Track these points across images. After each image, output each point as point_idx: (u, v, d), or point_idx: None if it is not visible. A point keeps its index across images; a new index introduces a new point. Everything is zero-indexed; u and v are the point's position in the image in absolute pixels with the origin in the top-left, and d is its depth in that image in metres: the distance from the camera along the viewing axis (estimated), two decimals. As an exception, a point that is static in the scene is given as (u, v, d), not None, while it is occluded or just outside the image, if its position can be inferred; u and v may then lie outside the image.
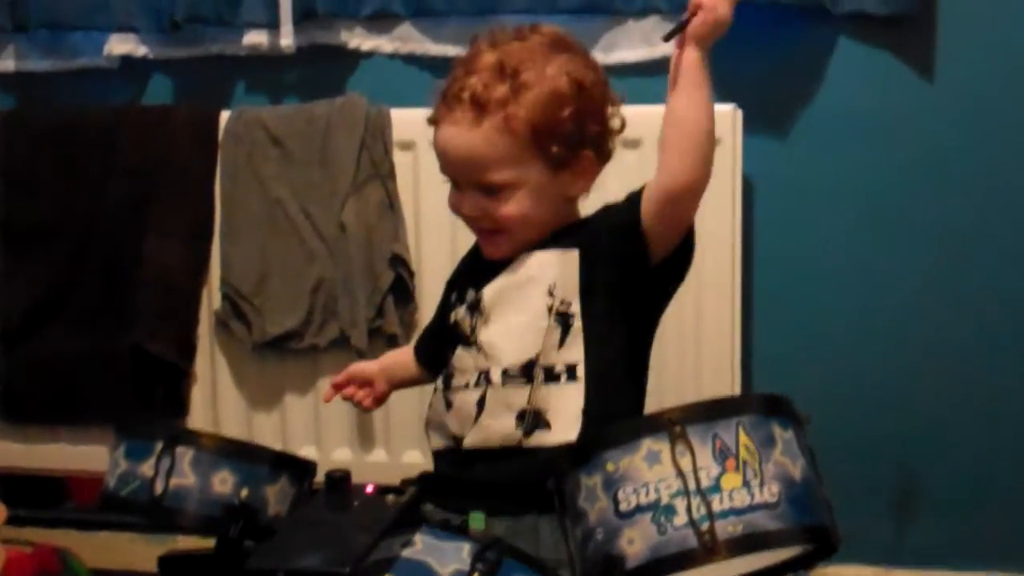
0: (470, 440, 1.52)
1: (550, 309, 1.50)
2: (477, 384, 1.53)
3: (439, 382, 1.59)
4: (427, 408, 1.61)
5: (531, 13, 2.18)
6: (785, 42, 2.18)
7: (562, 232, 1.55)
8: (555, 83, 1.49)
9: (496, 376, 1.51)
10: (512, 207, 1.51)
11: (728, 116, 2.08)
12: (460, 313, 1.58)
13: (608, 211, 1.55)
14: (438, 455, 1.59)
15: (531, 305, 1.51)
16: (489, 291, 1.54)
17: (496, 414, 1.50)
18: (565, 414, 1.48)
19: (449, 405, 1.56)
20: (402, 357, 1.81)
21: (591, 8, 2.20)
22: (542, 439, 1.48)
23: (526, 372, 1.49)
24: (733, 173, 2.10)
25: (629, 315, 1.53)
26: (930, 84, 2.15)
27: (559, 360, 1.50)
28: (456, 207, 1.56)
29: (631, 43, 2.21)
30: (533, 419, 1.49)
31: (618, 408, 1.50)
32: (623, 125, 1.59)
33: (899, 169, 2.18)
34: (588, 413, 1.47)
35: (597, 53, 2.19)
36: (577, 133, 1.50)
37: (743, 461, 1.16)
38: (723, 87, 2.15)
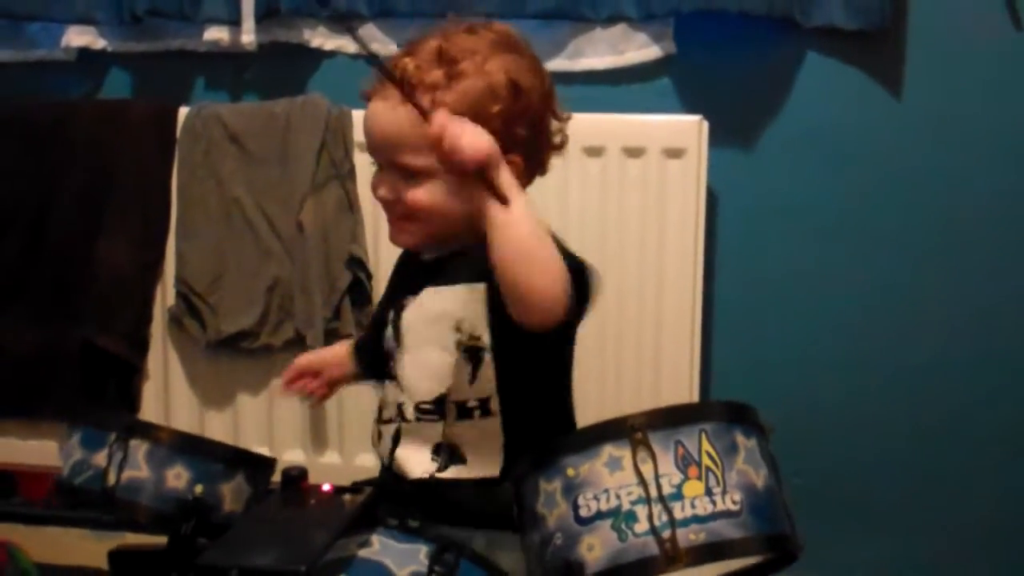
0: (395, 468, 1.51)
1: (458, 344, 1.47)
2: (394, 419, 1.52)
3: (376, 414, 1.57)
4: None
5: (498, 17, 2.16)
6: (753, 54, 2.19)
7: (476, 252, 1.46)
8: (491, 78, 1.44)
9: (409, 412, 1.49)
10: (423, 194, 1.45)
11: (694, 128, 2.09)
12: (388, 339, 1.54)
13: None
14: (381, 479, 1.58)
15: (440, 340, 1.48)
16: (405, 322, 1.52)
17: (412, 448, 1.49)
18: (482, 449, 1.46)
19: (379, 436, 1.55)
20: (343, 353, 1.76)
21: (558, 14, 2.18)
22: (458, 473, 1.46)
23: (438, 408, 1.48)
24: (697, 185, 2.10)
25: (540, 344, 1.45)
26: (898, 99, 2.16)
27: (471, 395, 1.47)
28: (374, 189, 1.51)
29: (598, 50, 2.20)
30: (448, 454, 1.47)
31: (543, 437, 1.45)
32: (564, 143, 1.55)
33: (865, 184, 2.18)
34: (508, 447, 1.45)
35: (563, 60, 2.19)
36: (504, 133, 1.42)
37: (706, 468, 1.14)
38: (689, 98, 2.18)
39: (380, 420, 1.56)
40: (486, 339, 1.47)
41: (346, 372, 1.72)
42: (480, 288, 1.47)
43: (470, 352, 1.47)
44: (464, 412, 1.48)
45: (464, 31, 1.49)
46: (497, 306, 1.44)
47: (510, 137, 1.45)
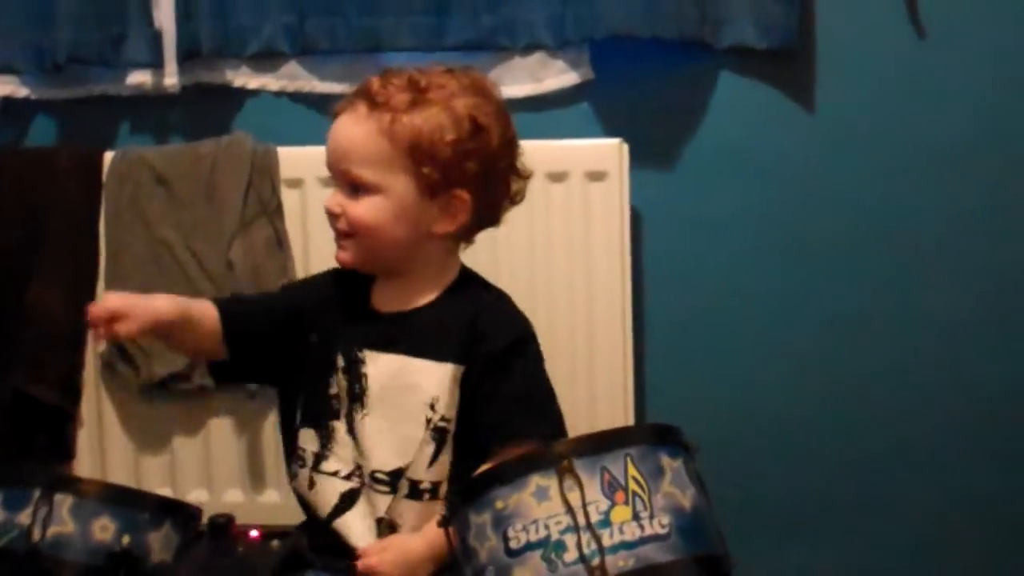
0: (333, 526, 1.51)
1: (428, 422, 1.48)
2: (350, 477, 1.51)
3: (304, 455, 1.54)
4: (289, 466, 1.59)
5: (417, 51, 2.19)
6: (669, 76, 2.21)
7: (447, 318, 1.52)
8: (454, 112, 1.47)
9: (368, 478, 1.49)
10: (366, 211, 1.48)
11: (614, 150, 2.11)
12: (340, 385, 1.53)
13: (490, 341, 1.50)
14: (306, 521, 1.57)
15: (411, 415, 1.48)
16: (371, 380, 1.51)
17: (359, 515, 1.50)
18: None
19: (312, 485, 1.53)
20: (191, 310, 1.58)
21: (477, 46, 2.20)
22: None
23: (392, 480, 1.48)
24: (620, 206, 2.12)
25: None
26: (811, 115, 2.20)
27: (426, 477, 1.48)
28: (327, 204, 1.53)
29: (517, 78, 2.22)
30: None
31: None
32: (520, 198, 1.57)
33: (785, 197, 2.22)
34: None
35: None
36: (455, 165, 1.47)
37: (632, 493, 1.16)
38: (609, 122, 2.21)
39: (315, 468, 1.54)
40: (452, 423, 1.48)
41: (159, 324, 1.53)
42: (460, 371, 1.48)
43: (438, 433, 1.48)
44: (415, 492, 1.48)
45: (442, 71, 1.53)
46: (467, 393, 1.47)
47: (459, 170, 1.48)
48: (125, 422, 2.28)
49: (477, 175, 1.49)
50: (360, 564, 1.41)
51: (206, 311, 1.57)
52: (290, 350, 1.58)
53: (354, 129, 1.48)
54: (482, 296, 1.56)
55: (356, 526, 1.49)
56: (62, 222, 2.27)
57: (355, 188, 1.49)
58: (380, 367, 1.51)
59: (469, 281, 1.58)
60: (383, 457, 1.49)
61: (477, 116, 1.49)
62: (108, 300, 1.52)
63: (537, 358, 1.55)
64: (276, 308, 1.63)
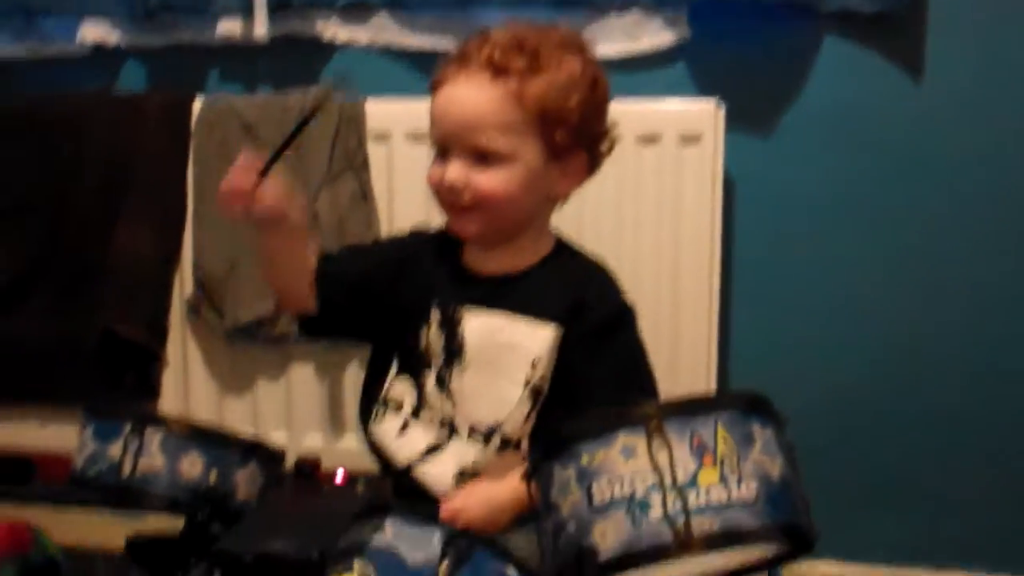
0: (413, 475, 1.52)
1: (527, 381, 1.48)
2: (440, 428, 1.52)
3: (394, 404, 1.56)
4: (366, 415, 1.60)
5: (510, 6, 2.17)
6: (770, 38, 2.16)
7: (551, 281, 1.52)
8: (571, 70, 1.47)
9: (463, 431, 1.50)
10: (498, 181, 1.46)
11: (710, 113, 2.07)
12: (432, 340, 1.54)
13: (596, 311, 1.51)
14: (386, 469, 1.58)
15: (511, 372, 1.49)
16: (470, 336, 1.51)
17: (441, 465, 1.51)
18: None
19: (399, 434, 1.55)
20: (307, 255, 1.59)
21: (573, 1, 2.17)
22: None
23: (486, 435, 1.49)
24: (713, 171, 2.08)
25: None
26: (917, 83, 2.13)
27: (519, 434, 1.50)
28: (438, 178, 1.49)
29: (612, 37, 2.18)
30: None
31: None
32: (612, 147, 1.56)
33: (884, 168, 2.16)
34: None
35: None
36: (581, 127, 1.48)
37: (721, 457, 1.14)
38: (706, 82, 2.16)
39: (415, 415, 1.55)
40: (547, 385, 1.49)
41: (291, 236, 1.54)
42: (560, 333, 1.48)
43: (534, 392, 1.49)
44: (506, 448, 1.50)
45: (540, 29, 1.51)
46: (563, 357, 1.48)
47: (585, 131, 1.49)
48: (209, 365, 2.32)
49: (596, 134, 1.51)
50: (446, 508, 1.41)
51: (311, 262, 1.59)
52: (380, 308, 1.59)
53: (479, 97, 1.45)
54: (589, 265, 1.57)
55: (437, 476, 1.51)
56: (150, 167, 2.30)
57: (482, 158, 1.47)
58: (480, 325, 1.51)
59: (569, 247, 1.59)
60: (479, 412, 1.50)
61: (593, 74, 1.49)
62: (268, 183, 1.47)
63: (639, 335, 1.55)
64: (368, 268, 1.63)
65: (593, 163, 1.53)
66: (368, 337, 1.65)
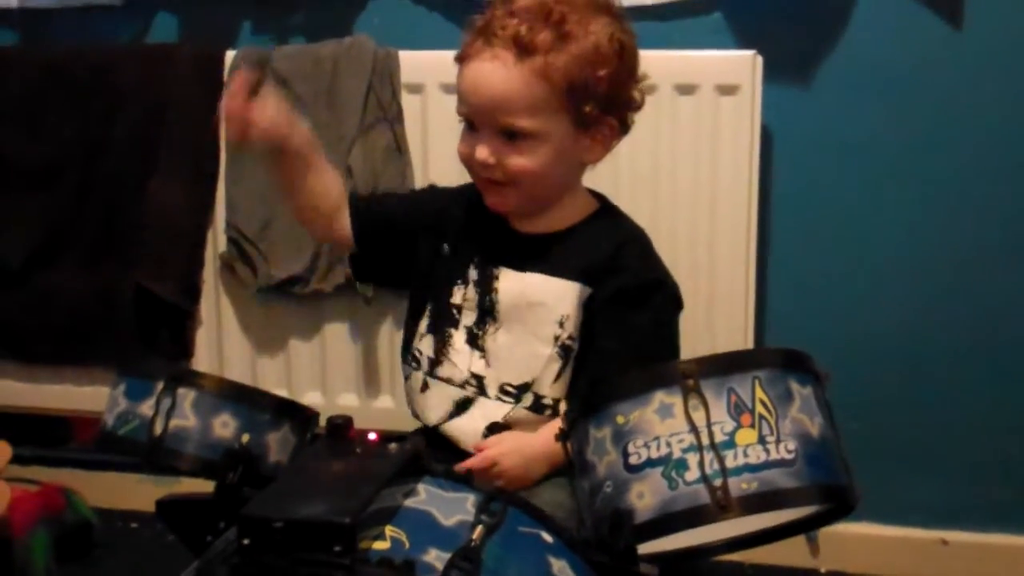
0: (442, 430, 1.54)
1: (556, 339, 1.49)
2: (466, 386, 1.52)
3: (420, 358, 1.56)
4: (405, 356, 1.62)
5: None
6: (808, -12, 2.13)
7: (582, 240, 1.51)
8: (598, 39, 1.45)
9: (493, 389, 1.51)
10: (530, 160, 1.46)
11: (748, 63, 2.03)
12: (466, 297, 1.54)
13: (627, 274, 1.50)
14: (421, 427, 1.60)
15: (539, 330, 1.49)
16: (502, 295, 1.51)
17: (472, 420, 1.51)
18: None
19: (425, 388, 1.55)
20: (324, 175, 1.60)
21: (608, -51, 2.13)
22: None
23: (518, 393, 1.49)
24: (752, 122, 2.05)
25: None
26: (958, 34, 2.09)
27: (550, 392, 1.50)
28: (468, 152, 1.50)
29: (646, -13, 2.15)
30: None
31: None
32: (642, 102, 1.54)
33: (923, 121, 2.12)
34: None
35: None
36: (610, 96, 1.46)
37: (759, 416, 1.12)
38: (743, 33, 2.13)
39: (429, 373, 1.56)
40: (576, 343, 1.49)
41: (299, 161, 1.55)
42: (588, 291, 1.48)
43: (564, 350, 1.49)
44: (538, 406, 1.50)
45: None
46: (591, 313, 1.47)
47: (615, 99, 1.47)
48: (243, 323, 2.31)
49: (626, 99, 1.49)
50: (479, 455, 1.44)
51: (332, 183, 1.60)
52: (416, 253, 1.60)
53: (506, 76, 1.44)
54: (630, 230, 1.57)
55: (467, 431, 1.52)
56: (183, 119, 2.28)
57: (511, 136, 1.46)
58: (513, 284, 1.51)
59: (614, 211, 1.59)
60: (512, 370, 1.50)
61: (620, 39, 1.46)
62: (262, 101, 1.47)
63: (673, 310, 1.54)
64: (407, 210, 1.65)
65: (624, 126, 1.52)
66: (406, 284, 1.66)
